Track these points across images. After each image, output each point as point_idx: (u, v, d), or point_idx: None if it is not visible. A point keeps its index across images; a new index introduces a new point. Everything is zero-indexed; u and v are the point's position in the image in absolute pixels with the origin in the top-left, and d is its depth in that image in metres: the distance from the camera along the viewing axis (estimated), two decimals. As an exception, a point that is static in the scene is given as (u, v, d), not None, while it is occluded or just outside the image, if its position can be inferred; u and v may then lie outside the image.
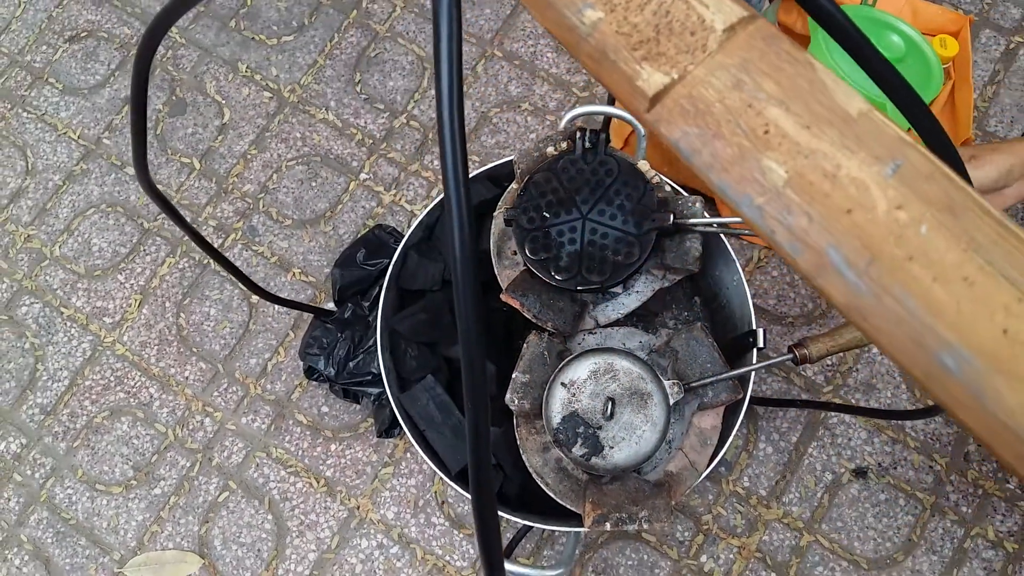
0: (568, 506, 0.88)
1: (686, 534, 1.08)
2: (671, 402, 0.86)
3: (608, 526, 0.84)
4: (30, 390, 1.21)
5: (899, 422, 1.10)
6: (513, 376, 0.89)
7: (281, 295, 1.22)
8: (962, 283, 0.27)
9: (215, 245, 1.25)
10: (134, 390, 1.19)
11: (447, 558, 1.09)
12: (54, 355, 1.22)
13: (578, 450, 0.85)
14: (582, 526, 0.92)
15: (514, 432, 0.91)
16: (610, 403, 0.85)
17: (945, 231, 0.27)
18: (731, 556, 1.07)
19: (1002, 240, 0.27)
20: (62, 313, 1.24)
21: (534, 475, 0.90)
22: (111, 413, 1.19)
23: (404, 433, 1.13)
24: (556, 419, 0.85)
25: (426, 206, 1.11)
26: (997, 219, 0.27)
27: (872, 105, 0.29)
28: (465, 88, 1.30)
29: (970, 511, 1.07)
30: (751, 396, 1.08)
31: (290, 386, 1.18)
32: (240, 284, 1.20)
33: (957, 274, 0.27)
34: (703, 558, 1.07)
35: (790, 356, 0.87)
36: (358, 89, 1.31)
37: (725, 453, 1.09)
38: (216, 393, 1.18)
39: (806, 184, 0.28)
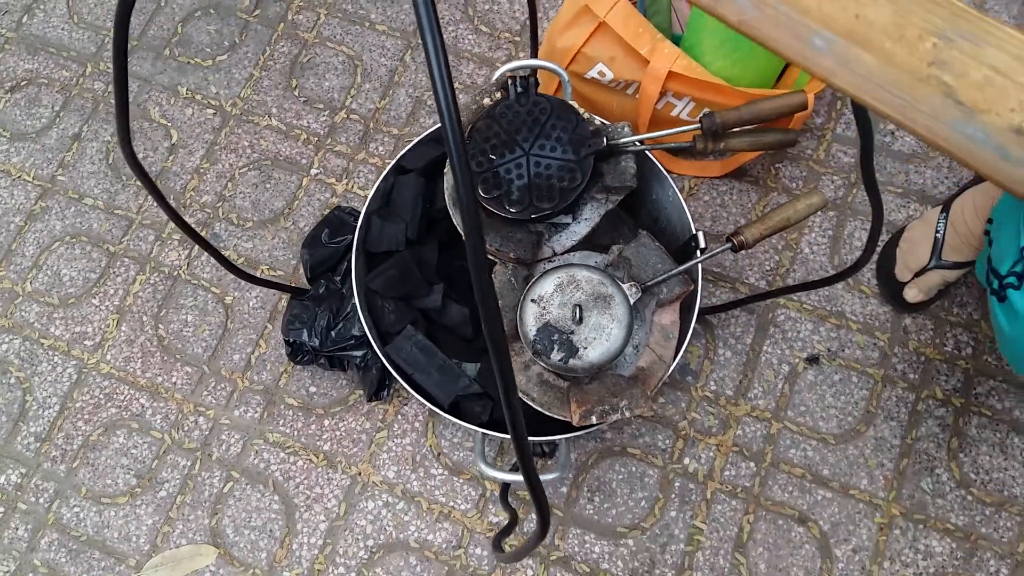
0: (555, 415, 0.96)
1: (667, 442, 1.16)
2: (631, 301, 0.94)
3: (594, 419, 0.92)
4: (22, 421, 1.24)
5: (840, 310, 1.20)
6: (486, 305, 0.96)
7: (252, 292, 1.28)
8: (820, -10, 0.36)
9: (182, 257, 1.31)
10: (125, 403, 1.23)
11: (451, 504, 1.15)
12: (41, 385, 1.25)
13: (556, 355, 0.92)
14: (571, 432, 0.99)
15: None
16: (578, 309, 0.93)
17: (801, -44, 0.36)
18: (711, 454, 1.15)
19: (844, -43, 0.36)
20: (43, 344, 1.27)
21: (520, 394, 0.98)
22: (105, 429, 1.22)
23: (393, 395, 1.20)
24: (532, 332, 0.93)
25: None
26: (837, -58, 0.37)
27: None
28: (396, 78, 1.38)
29: (916, 377, 1.17)
30: (703, 307, 1.18)
31: (276, 374, 1.23)
32: (222, 267, 1.26)
33: (815, -16, 0.36)
34: (686, 460, 1.15)
35: (729, 245, 0.96)
36: (296, 93, 1.39)
37: (689, 362, 1.18)
38: (206, 392, 1.23)
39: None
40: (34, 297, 1.30)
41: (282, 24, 1.43)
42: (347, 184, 1.32)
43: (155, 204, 1.33)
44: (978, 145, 0.35)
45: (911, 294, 1.15)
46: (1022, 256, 0.81)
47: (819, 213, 1.25)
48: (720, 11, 0.37)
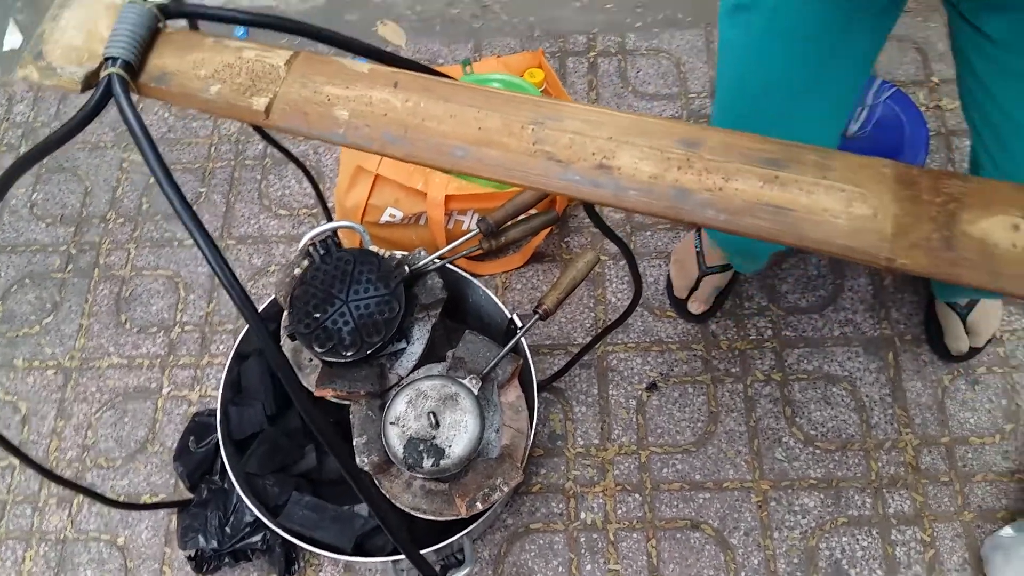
0: (449, 518, 1.05)
1: (560, 506, 1.27)
2: (475, 392, 1.07)
3: (479, 504, 1.02)
4: None
5: (658, 338, 1.37)
6: (354, 443, 1.06)
7: (141, 525, 1.31)
8: (449, 118, 0.52)
9: (63, 517, 1.33)
10: (47, 677, 1.22)
11: (392, 640, 1.21)
12: None
13: (427, 462, 1.03)
14: (465, 527, 1.09)
15: (379, 491, 1.08)
16: (432, 415, 1.04)
17: (430, 98, 0.52)
18: (601, 501, 1.27)
19: (447, 88, 0.52)
20: (-56, 654, 1.25)
21: (412, 512, 1.07)
22: None
23: (305, 566, 1.25)
24: (400, 450, 1.04)
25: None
26: (448, 83, 0.53)
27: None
28: (216, 281, 1.50)
29: (738, 369, 1.35)
30: (541, 381, 1.31)
31: (189, 589, 1.26)
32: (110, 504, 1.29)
33: (445, 113, 0.52)
34: (582, 515, 1.26)
35: (537, 316, 1.11)
36: (128, 326, 1.47)
37: (554, 428, 1.31)
38: (125, 633, 1.24)
39: (360, 112, 0.52)
40: (-78, 611, 1.28)
41: (96, 270, 1.53)
42: (200, 390, 1.40)
43: (20, 479, 1.35)
44: (577, 184, 0.50)
45: (693, 307, 1.35)
46: None
47: (614, 267, 1.44)
48: (388, 152, 0.52)
